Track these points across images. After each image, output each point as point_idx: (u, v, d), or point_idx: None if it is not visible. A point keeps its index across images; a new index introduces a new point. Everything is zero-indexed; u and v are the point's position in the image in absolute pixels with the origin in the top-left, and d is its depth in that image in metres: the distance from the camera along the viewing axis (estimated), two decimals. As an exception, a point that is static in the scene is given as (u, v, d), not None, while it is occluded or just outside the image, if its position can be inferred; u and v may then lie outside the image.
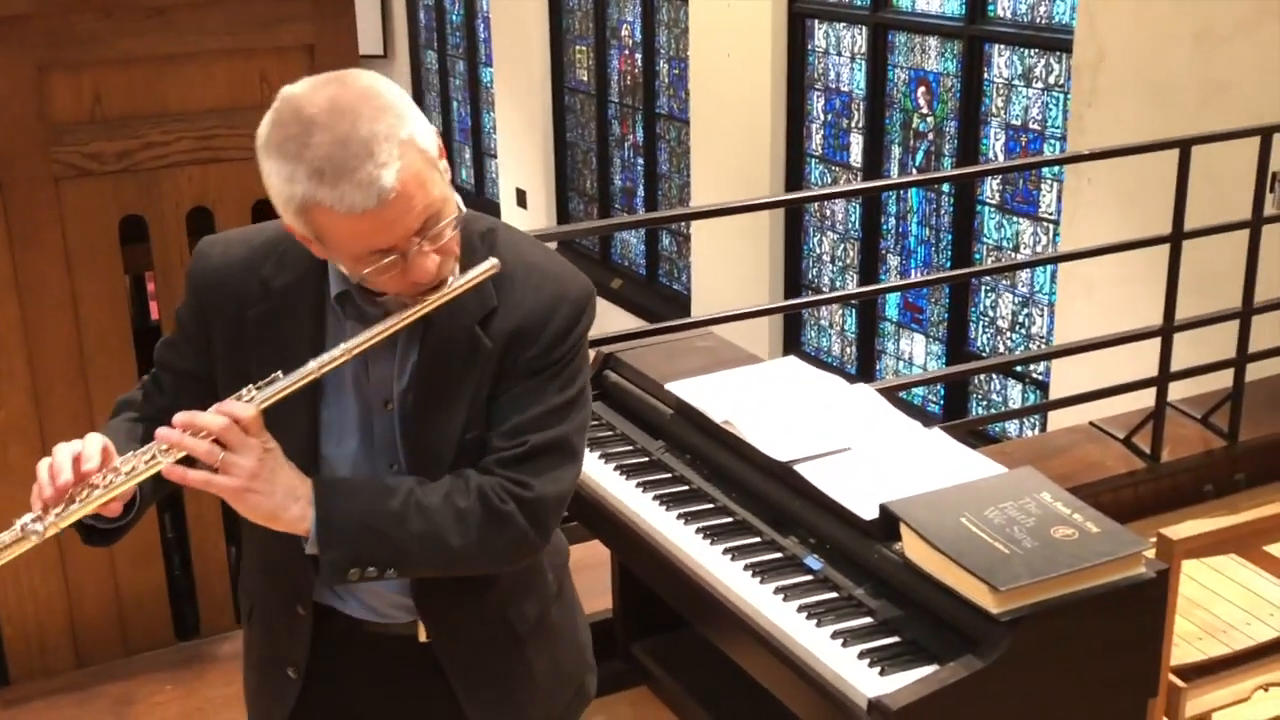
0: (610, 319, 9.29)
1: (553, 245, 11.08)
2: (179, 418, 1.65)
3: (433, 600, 1.87)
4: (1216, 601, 2.84)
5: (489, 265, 1.72)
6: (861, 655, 2.07)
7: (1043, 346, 6.21)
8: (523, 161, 10.73)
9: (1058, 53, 6.03)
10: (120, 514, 1.74)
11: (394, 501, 1.71)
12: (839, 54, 7.38)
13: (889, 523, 2.20)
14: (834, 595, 2.24)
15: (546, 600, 2.00)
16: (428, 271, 1.67)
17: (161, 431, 1.64)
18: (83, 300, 3.02)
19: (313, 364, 1.67)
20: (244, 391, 1.67)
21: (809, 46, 7.56)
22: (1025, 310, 6.43)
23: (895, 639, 2.11)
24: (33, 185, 2.93)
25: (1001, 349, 6.59)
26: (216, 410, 1.64)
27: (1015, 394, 6.59)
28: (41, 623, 3.14)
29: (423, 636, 1.90)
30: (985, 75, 6.47)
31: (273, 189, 1.65)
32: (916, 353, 7.21)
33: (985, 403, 6.77)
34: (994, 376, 6.67)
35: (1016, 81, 6.31)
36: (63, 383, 3.03)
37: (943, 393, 6.95)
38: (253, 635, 2.03)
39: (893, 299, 7.32)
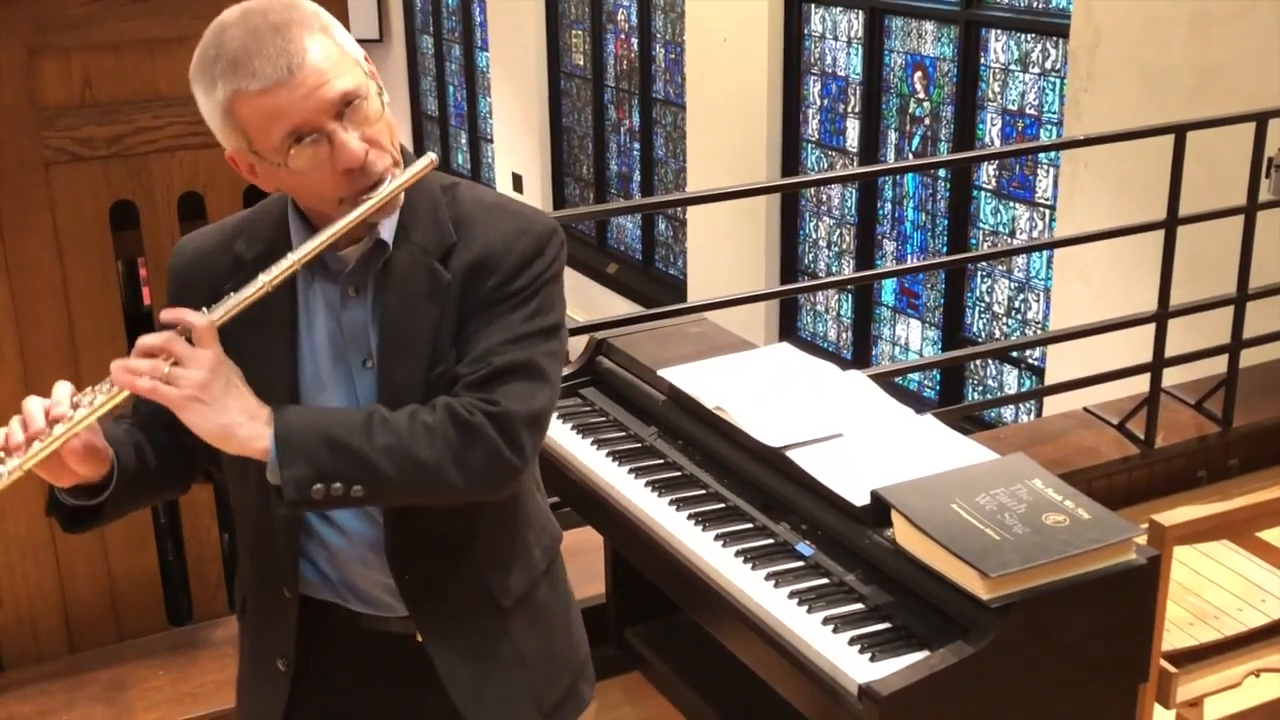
0: (606, 304, 9.29)
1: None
2: (139, 343, 1.63)
3: (407, 562, 1.83)
4: (1208, 587, 2.84)
5: (426, 160, 1.73)
6: (852, 641, 2.07)
7: (1039, 332, 6.21)
8: (519, 146, 10.72)
9: (1054, 37, 6.01)
10: (93, 481, 1.72)
11: (357, 417, 1.68)
12: (835, 39, 7.36)
13: (880, 509, 2.20)
14: (825, 581, 2.23)
15: (534, 576, 1.96)
16: (355, 154, 1.66)
17: (116, 363, 1.62)
18: (74, 285, 3.01)
19: (262, 277, 1.66)
20: (200, 311, 1.66)
21: (805, 31, 7.54)
22: (1021, 296, 6.43)
23: (886, 625, 2.10)
24: (23, 170, 2.92)
25: (998, 335, 6.59)
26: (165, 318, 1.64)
27: (1011, 379, 6.59)
28: (34, 608, 3.14)
29: (420, 636, 1.88)
30: (982, 60, 6.46)
31: (206, 114, 1.70)
32: (912, 338, 7.21)
33: (981, 388, 6.77)
34: (990, 362, 6.67)
35: (1013, 66, 6.29)
36: (54, 368, 3.02)
37: (939, 378, 6.95)
38: (245, 628, 2.01)
39: (889, 284, 7.31)
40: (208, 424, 1.62)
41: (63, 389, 1.65)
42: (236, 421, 1.62)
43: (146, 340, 1.62)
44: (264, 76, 1.62)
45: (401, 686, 1.93)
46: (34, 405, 1.63)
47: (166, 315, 1.64)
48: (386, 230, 1.77)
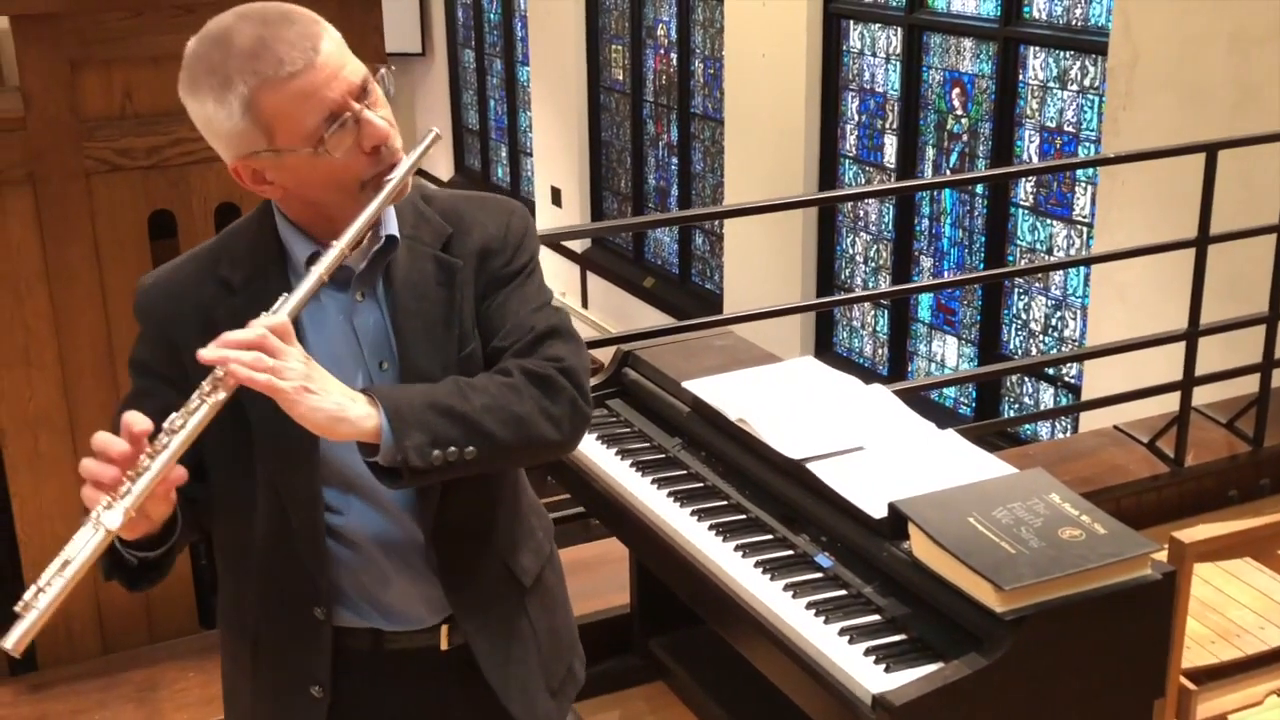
0: (642, 318, 9.31)
1: (586, 243, 11.01)
2: (216, 342, 1.57)
3: (447, 555, 1.86)
4: (1230, 605, 2.83)
5: (433, 134, 1.79)
6: (868, 652, 2.08)
7: (1074, 349, 6.19)
8: (558, 160, 10.77)
9: (1093, 55, 6.00)
10: (155, 531, 1.69)
11: (445, 385, 1.72)
12: (874, 55, 7.37)
13: (898, 521, 2.21)
14: (843, 593, 2.25)
15: (542, 557, 2.04)
16: (381, 129, 1.70)
17: (204, 353, 1.56)
18: (112, 293, 3.08)
19: (315, 269, 1.65)
20: (263, 315, 1.62)
21: (844, 47, 7.55)
22: (1059, 313, 6.41)
23: (902, 636, 2.12)
24: (65, 180, 2.99)
25: (1034, 352, 6.56)
26: (250, 325, 1.59)
27: (1048, 397, 6.56)
28: (68, 609, 3.17)
29: (444, 645, 1.91)
30: (1020, 77, 6.45)
31: (214, 121, 1.66)
32: (949, 355, 7.20)
33: (1017, 405, 6.74)
34: (1026, 379, 6.64)
35: (1051, 83, 6.28)
36: (91, 374, 3.08)
37: (974, 394, 6.93)
38: (262, 669, 1.94)
39: (925, 300, 7.30)
40: (319, 413, 1.59)
41: (143, 420, 1.55)
42: (344, 405, 1.61)
43: (234, 336, 1.57)
44: (292, 61, 1.63)
45: (428, 699, 1.95)
46: (106, 436, 1.56)
47: (228, 336, 1.58)
48: (392, 226, 1.81)
